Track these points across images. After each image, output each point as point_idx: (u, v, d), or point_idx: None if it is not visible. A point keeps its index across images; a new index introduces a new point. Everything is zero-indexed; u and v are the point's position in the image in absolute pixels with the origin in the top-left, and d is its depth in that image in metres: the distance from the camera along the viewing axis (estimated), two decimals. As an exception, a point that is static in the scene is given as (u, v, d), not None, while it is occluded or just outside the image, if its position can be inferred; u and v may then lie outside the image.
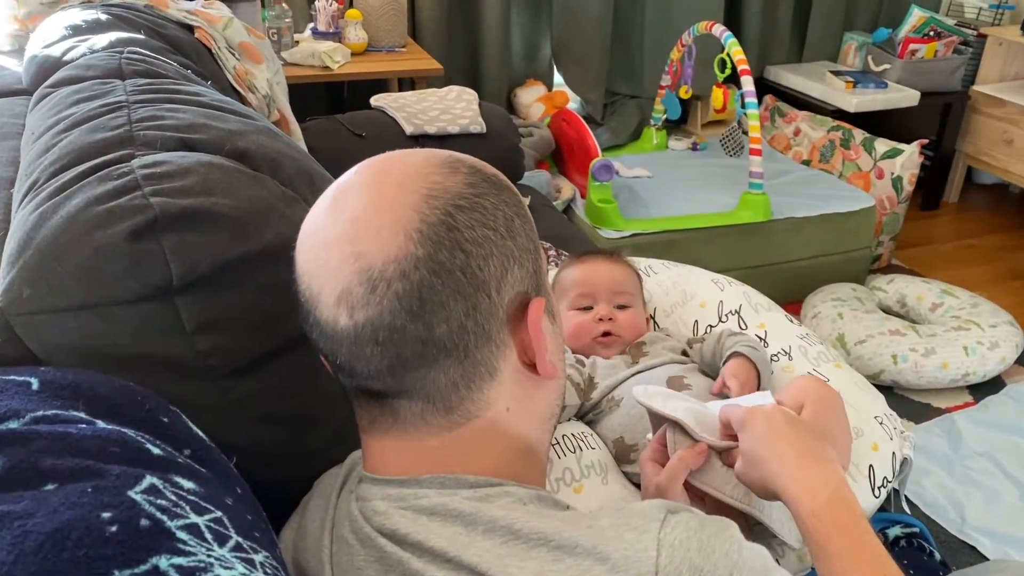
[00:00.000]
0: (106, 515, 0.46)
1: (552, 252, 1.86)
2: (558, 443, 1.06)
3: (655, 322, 1.39)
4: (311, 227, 0.63)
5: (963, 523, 1.85)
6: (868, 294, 2.61)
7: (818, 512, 0.70)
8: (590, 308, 1.26)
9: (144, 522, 0.47)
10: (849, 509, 0.70)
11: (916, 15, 3.28)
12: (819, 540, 0.69)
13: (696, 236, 2.50)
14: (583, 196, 2.66)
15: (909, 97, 3.16)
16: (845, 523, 0.69)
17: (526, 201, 2.19)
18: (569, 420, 1.16)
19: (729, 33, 2.57)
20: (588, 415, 1.17)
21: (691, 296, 1.39)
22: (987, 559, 1.74)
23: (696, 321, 1.36)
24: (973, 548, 1.79)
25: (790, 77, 3.41)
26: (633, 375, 1.16)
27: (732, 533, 0.59)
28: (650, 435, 0.99)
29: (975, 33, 3.36)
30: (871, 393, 1.23)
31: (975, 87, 3.30)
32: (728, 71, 2.61)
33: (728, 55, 2.56)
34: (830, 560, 0.68)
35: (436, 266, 0.58)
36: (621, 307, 1.26)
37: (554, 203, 2.53)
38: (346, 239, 0.59)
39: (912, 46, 3.29)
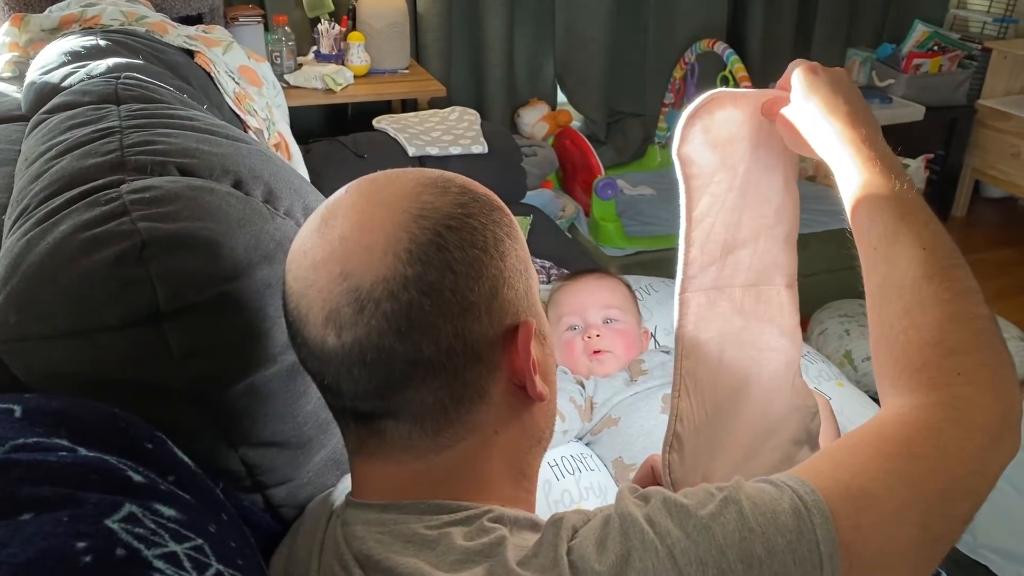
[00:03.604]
0: (81, 545, 0.45)
1: (554, 271, 1.86)
2: (556, 465, 1.06)
3: (656, 340, 1.38)
4: (300, 247, 0.63)
5: (975, 541, 1.82)
6: (876, 310, 2.59)
7: (874, 145, 0.71)
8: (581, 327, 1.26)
9: (120, 551, 0.46)
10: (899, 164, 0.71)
11: (920, 30, 3.29)
12: (868, 168, 0.70)
13: (700, 253, 2.49)
14: (587, 214, 2.66)
15: (914, 112, 3.15)
16: (896, 164, 0.70)
17: (528, 220, 2.20)
18: (569, 442, 1.16)
19: (731, 51, 2.58)
20: (586, 436, 1.17)
21: (692, 314, 1.38)
22: (998, 578, 1.71)
23: (697, 339, 1.35)
24: (985, 568, 1.76)
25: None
26: (632, 395, 1.15)
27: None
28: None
29: (980, 47, 3.36)
30: (875, 411, 1.22)
31: (981, 101, 3.30)
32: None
33: (731, 72, 2.57)
34: (880, 192, 0.69)
35: (425, 287, 0.58)
36: (610, 323, 1.26)
37: (558, 222, 2.53)
38: (335, 259, 0.59)
39: (916, 61, 3.29)
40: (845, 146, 0.72)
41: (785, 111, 0.79)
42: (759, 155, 0.82)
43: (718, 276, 0.81)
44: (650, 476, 0.86)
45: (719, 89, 0.81)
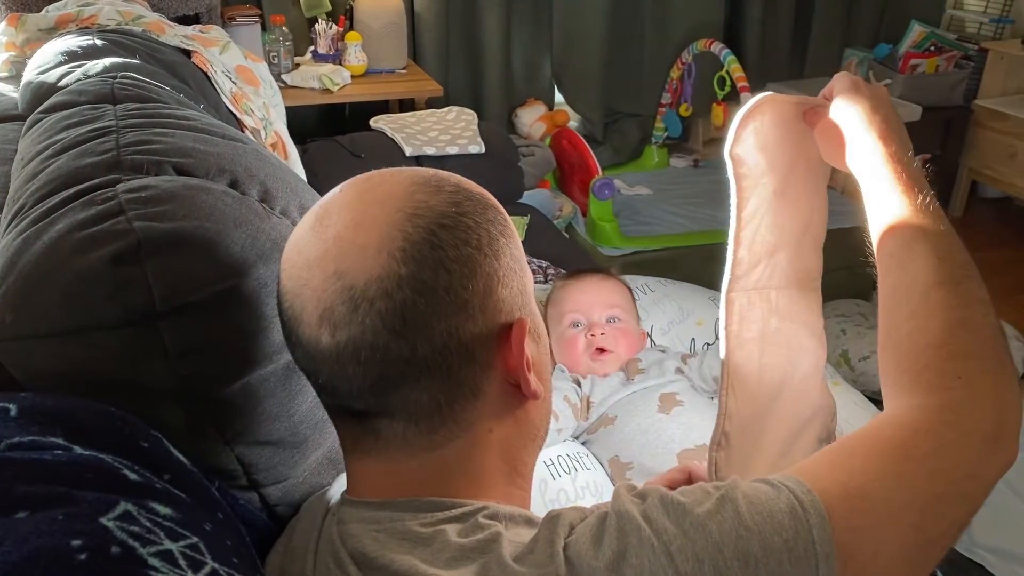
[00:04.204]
0: (76, 543, 0.45)
1: (551, 271, 1.86)
2: (553, 464, 1.06)
3: (652, 339, 1.38)
4: (295, 246, 0.63)
5: (971, 541, 1.83)
6: (872, 310, 2.59)
7: (902, 160, 0.72)
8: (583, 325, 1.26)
9: (115, 549, 0.47)
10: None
11: (917, 30, 3.29)
12: (894, 181, 0.71)
13: (697, 253, 2.49)
14: (584, 214, 2.66)
15: (911, 112, 3.15)
16: (920, 180, 0.71)
17: (525, 220, 2.20)
18: (565, 441, 1.16)
19: (728, 51, 2.58)
20: (583, 435, 1.17)
21: (688, 314, 1.39)
22: (994, 577, 1.71)
23: (693, 339, 1.36)
24: (981, 567, 1.76)
25: (791, 94, 3.41)
26: (629, 394, 1.15)
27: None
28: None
29: (976, 47, 3.36)
30: (870, 412, 1.22)
31: (977, 101, 3.30)
32: (728, 88, 2.61)
33: (728, 72, 2.57)
34: (902, 204, 0.69)
35: (419, 285, 0.58)
36: (613, 322, 1.26)
37: (555, 221, 2.54)
38: (329, 258, 0.59)
39: (913, 61, 3.30)
40: (876, 158, 0.74)
41: (827, 119, 0.80)
42: (799, 161, 0.83)
43: (760, 277, 0.83)
44: (683, 479, 0.86)
45: (769, 92, 0.83)
